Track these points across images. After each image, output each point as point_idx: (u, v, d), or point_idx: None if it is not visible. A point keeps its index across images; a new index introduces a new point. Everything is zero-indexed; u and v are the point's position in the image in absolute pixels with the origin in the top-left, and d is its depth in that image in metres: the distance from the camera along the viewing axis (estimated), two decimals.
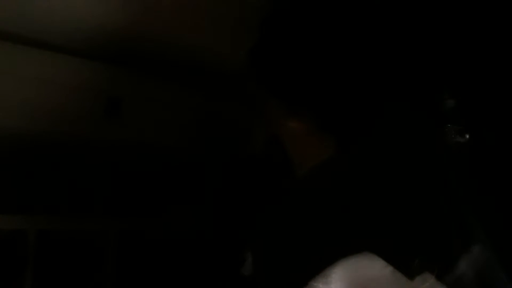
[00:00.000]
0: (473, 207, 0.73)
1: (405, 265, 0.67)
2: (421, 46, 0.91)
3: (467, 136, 0.80)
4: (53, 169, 1.26)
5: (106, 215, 1.35)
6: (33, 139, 1.18)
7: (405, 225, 0.72)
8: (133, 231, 1.39)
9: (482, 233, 0.72)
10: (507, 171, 0.80)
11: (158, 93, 1.29)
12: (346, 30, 0.82)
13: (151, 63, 1.25)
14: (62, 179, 1.27)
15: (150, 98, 1.28)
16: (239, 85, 1.24)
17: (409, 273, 0.67)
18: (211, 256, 1.38)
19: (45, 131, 1.16)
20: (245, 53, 0.89)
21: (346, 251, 0.68)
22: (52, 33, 1.11)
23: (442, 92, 0.86)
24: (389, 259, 0.67)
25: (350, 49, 0.82)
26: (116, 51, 1.19)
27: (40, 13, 1.05)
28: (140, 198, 1.38)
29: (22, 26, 1.07)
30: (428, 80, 0.88)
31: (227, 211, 1.38)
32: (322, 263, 0.68)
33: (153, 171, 1.38)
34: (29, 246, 1.22)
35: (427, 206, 0.73)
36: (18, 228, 1.22)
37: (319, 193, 0.79)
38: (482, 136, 0.81)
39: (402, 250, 0.69)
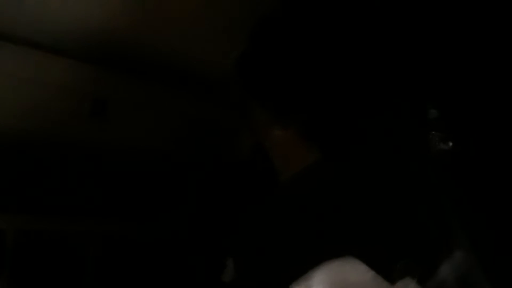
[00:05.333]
0: (455, 213, 0.74)
1: (386, 270, 0.67)
2: (407, 58, 0.92)
3: (450, 144, 0.81)
4: (36, 169, 1.25)
5: (88, 217, 1.33)
6: (16, 138, 1.17)
7: (388, 230, 0.72)
8: (116, 234, 1.37)
9: (464, 238, 0.72)
10: (488, 178, 0.81)
11: (144, 97, 1.28)
12: (334, 40, 0.83)
13: (138, 66, 1.25)
14: (45, 179, 1.26)
15: (136, 101, 1.27)
16: (226, 92, 1.25)
17: (391, 278, 0.67)
18: (192, 261, 1.37)
19: (29, 130, 1.15)
20: (233, 61, 0.89)
21: (328, 255, 0.68)
22: (39, 33, 1.10)
23: (426, 101, 0.87)
24: (371, 263, 0.67)
25: (337, 59, 0.83)
26: (103, 53, 1.18)
27: (28, 13, 1.04)
28: (123, 200, 1.37)
29: (9, 25, 1.07)
30: (412, 90, 0.90)
31: (210, 216, 1.38)
32: (304, 267, 0.68)
33: (137, 174, 1.38)
34: (7, 246, 1.20)
35: (409, 212, 0.74)
36: None
37: (301, 199, 0.80)
38: (465, 144, 0.82)
39: (384, 255, 0.69)
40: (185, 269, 1.37)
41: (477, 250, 0.71)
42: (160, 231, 1.41)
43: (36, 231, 1.26)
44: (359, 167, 0.80)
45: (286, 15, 0.87)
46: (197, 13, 1.13)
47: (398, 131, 0.83)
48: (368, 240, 0.71)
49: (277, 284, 0.70)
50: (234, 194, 1.30)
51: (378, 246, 0.70)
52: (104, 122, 1.22)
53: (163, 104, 1.31)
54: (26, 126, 1.14)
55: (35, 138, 1.18)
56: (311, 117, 0.83)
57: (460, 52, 0.88)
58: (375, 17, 0.91)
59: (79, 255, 1.31)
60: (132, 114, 1.27)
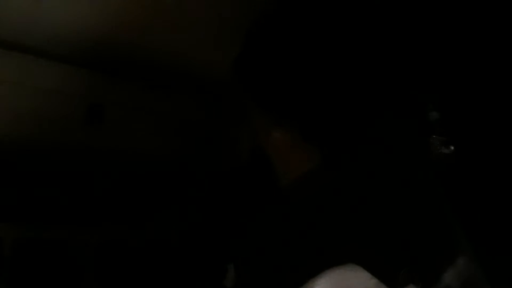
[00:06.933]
0: (458, 218, 0.74)
1: (390, 277, 0.67)
2: (407, 60, 0.91)
3: (452, 148, 0.80)
4: (32, 176, 1.24)
5: (85, 224, 1.32)
6: (11, 145, 1.16)
7: (391, 236, 0.71)
8: (114, 240, 1.37)
9: (467, 245, 0.72)
10: (490, 182, 0.81)
11: (140, 101, 1.27)
12: (333, 41, 0.82)
13: (134, 70, 1.24)
14: (41, 186, 1.25)
15: (132, 105, 1.26)
16: (224, 94, 1.24)
17: (394, 285, 0.67)
18: (193, 267, 1.37)
19: (23, 137, 1.13)
20: (231, 62, 0.88)
21: (330, 262, 0.68)
22: (33, 37, 1.09)
23: (427, 104, 0.86)
24: (374, 271, 0.67)
25: (337, 61, 0.82)
26: (98, 57, 1.17)
27: (21, 17, 1.03)
28: (121, 206, 1.36)
29: (2, 29, 1.05)
30: (413, 93, 0.89)
31: (210, 221, 1.37)
32: (306, 275, 0.68)
33: (135, 179, 1.37)
34: (5, 254, 1.19)
35: (412, 218, 0.73)
36: None
37: (302, 204, 0.79)
38: (467, 148, 0.82)
39: (387, 262, 0.69)
40: (186, 275, 1.37)
41: (480, 255, 0.71)
42: (159, 236, 1.40)
43: (34, 239, 1.25)
44: (360, 172, 0.80)
45: (284, 15, 0.86)
46: (194, 14, 1.12)
47: (399, 134, 0.82)
48: (371, 246, 0.70)
49: None
50: (234, 199, 1.30)
51: (381, 253, 0.70)
52: (101, 127, 1.21)
53: (160, 108, 1.30)
54: (21, 132, 1.13)
55: (30, 145, 1.17)
56: (311, 119, 0.83)
57: (461, 54, 0.88)
58: (374, 17, 0.90)
59: (78, 263, 1.30)
60: (129, 118, 1.26)
